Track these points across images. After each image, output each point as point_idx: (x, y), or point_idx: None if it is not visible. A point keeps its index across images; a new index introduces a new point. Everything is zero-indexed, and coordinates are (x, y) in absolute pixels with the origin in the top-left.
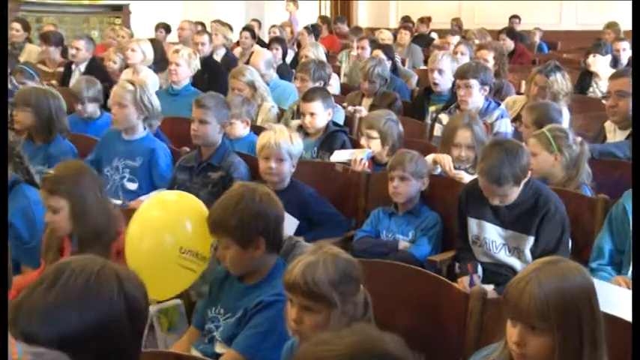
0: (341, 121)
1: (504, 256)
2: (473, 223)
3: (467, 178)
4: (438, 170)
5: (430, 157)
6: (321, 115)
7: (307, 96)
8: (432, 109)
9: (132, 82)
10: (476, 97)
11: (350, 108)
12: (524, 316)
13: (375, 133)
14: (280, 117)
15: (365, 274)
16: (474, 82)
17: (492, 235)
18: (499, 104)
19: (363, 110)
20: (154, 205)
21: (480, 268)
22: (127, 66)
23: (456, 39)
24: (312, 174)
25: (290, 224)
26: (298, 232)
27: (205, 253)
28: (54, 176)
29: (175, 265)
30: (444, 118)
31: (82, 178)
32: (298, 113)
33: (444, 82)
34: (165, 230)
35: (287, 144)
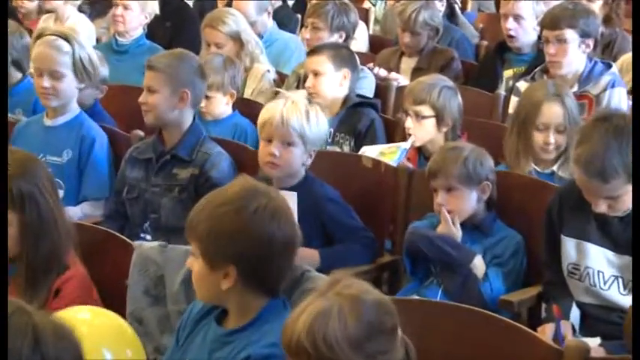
0: (370, 92)
1: (617, 294)
2: (569, 246)
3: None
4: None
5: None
6: (328, 76)
7: (313, 48)
8: (507, 74)
9: (64, 36)
10: (573, 56)
11: (381, 72)
12: None
13: (426, 110)
14: (279, 86)
15: (406, 318)
16: (570, 34)
17: (599, 262)
18: (609, 66)
19: (400, 78)
20: None
21: (575, 312)
22: (48, 11)
23: None
24: (325, 170)
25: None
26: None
27: None
28: None
29: None
30: (525, 87)
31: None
32: (306, 80)
33: (523, 33)
34: None
35: (300, 122)
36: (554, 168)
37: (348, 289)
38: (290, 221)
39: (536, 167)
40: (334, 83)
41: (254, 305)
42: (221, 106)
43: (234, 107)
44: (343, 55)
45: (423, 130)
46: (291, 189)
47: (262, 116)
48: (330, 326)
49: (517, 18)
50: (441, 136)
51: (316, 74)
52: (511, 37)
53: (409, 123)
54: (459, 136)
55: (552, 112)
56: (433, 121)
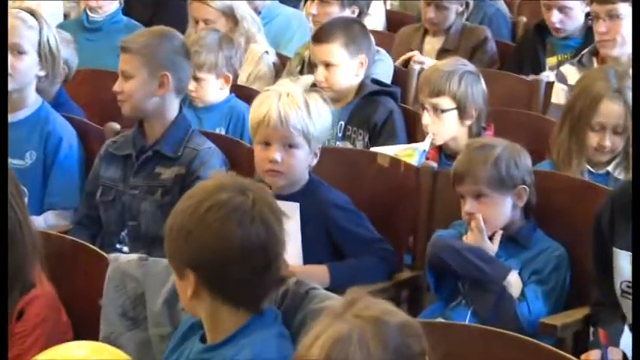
0: (387, 78)
1: None
2: (623, 260)
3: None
4: None
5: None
6: (343, 67)
7: (320, 33)
8: (550, 62)
9: (31, 12)
10: (627, 33)
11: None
12: None
13: (446, 102)
14: (280, 70)
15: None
16: (624, 9)
17: None
18: None
19: (426, 61)
20: None
21: (628, 337)
22: None
23: None
24: (333, 170)
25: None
26: (307, 258)
27: None
28: None
29: None
30: (571, 71)
31: None
32: (310, 65)
33: (571, 23)
34: None
35: (302, 119)
36: (610, 168)
37: (368, 311)
38: (265, 223)
39: (589, 168)
40: (350, 73)
41: (228, 320)
42: (213, 90)
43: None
44: (357, 38)
45: (443, 126)
46: (292, 197)
47: (255, 116)
48: (350, 354)
49: (562, 9)
50: (464, 131)
51: (328, 65)
52: (557, 29)
53: (427, 119)
54: (483, 128)
55: (611, 111)
56: (455, 114)
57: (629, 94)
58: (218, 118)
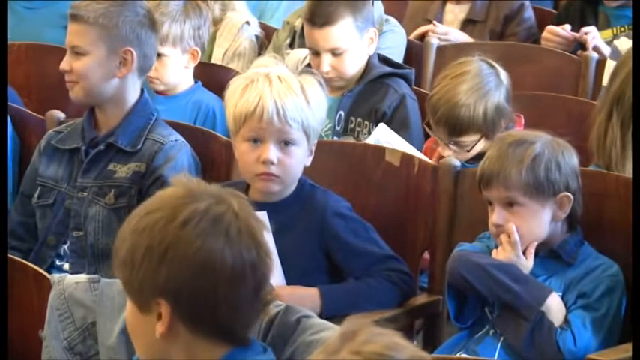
0: (399, 54)
1: None
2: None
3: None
4: None
5: None
6: (352, 50)
7: (320, 13)
8: (604, 35)
9: None
10: None
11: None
12: None
13: (471, 137)
14: (265, 46)
15: None
16: None
17: None
18: None
19: (449, 31)
20: None
21: None
22: None
23: None
24: (331, 171)
25: None
26: (301, 281)
27: None
28: None
29: None
30: (628, 46)
31: None
32: (303, 37)
33: None
34: None
35: (301, 109)
36: None
37: (369, 345)
38: (252, 236)
39: None
40: (361, 55)
41: (209, 357)
42: (177, 69)
43: (195, 75)
44: (363, 6)
45: (471, 154)
46: (281, 204)
47: (240, 106)
48: None
49: None
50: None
51: (334, 52)
52: None
53: (447, 152)
54: (512, 120)
55: None
56: (482, 141)
57: None
58: (180, 113)
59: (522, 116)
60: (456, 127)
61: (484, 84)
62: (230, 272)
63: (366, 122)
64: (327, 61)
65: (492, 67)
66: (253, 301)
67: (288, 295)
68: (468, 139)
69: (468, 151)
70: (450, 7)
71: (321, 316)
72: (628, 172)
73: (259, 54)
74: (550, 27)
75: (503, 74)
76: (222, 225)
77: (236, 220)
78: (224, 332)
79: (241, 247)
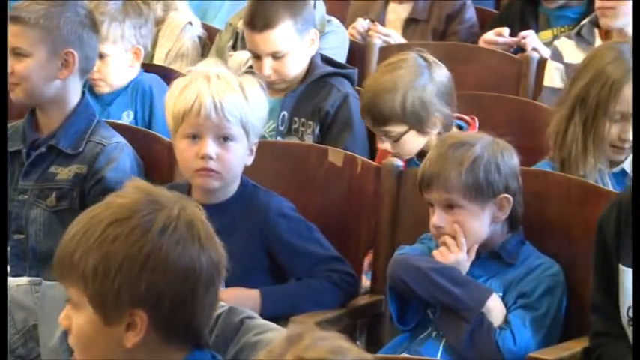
0: (342, 54)
1: None
2: (631, 280)
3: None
4: None
5: None
6: (296, 50)
7: (259, 17)
8: (544, 36)
9: None
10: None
11: (361, 23)
12: None
13: (397, 127)
14: (208, 46)
15: None
16: None
17: None
18: None
19: (391, 34)
20: None
21: None
22: None
23: None
24: (274, 172)
25: None
26: (243, 283)
27: None
28: None
29: None
30: (568, 47)
31: None
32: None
33: None
34: None
35: (239, 104)
36: (625, 166)
37: (312, 351)
38: (213, 240)
39: (601, 167)
40: (303, 56)
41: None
42: (121, 68)
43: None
44: (302, 8)
45: (404, 147)
46: (225, 205)
47: (178, 104)
48: None
49: None
50: (434, 137)
51: (275, 55)
52: None
53: (384, 145)
54: (467, 123)
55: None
56: (412, 133)
57: None
58: (124, 102)
59: (476, 119)
60: (376, 115)
61: (408, 75)
62: (205, 276)
63: (310, 122)
64: (268, 65)
65: (427, 62)
66: (215, 303)
67: (229, 296)
68: (393, 130)
69: (397, 142)
70: (392, 6)
71: (261, 317)
72: (583, 172)
73: (202, 55)
74: (485, 36)
75: (441, 73)
76: (194, 230)
77: (202, 223)
78: (193, 336)
79: (210, 250)
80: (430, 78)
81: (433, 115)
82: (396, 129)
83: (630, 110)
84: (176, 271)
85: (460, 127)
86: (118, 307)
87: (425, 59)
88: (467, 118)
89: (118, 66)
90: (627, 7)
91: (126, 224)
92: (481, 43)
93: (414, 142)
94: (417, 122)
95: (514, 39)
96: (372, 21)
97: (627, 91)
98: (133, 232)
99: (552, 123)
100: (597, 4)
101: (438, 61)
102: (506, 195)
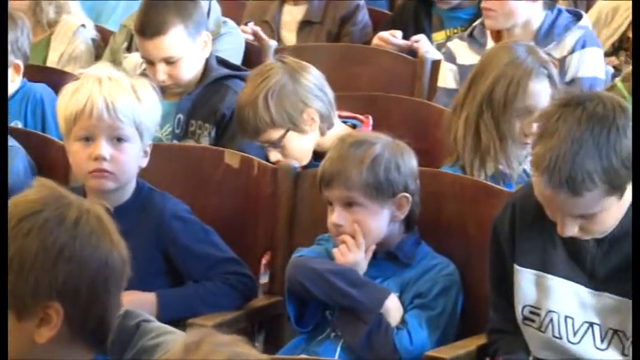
0: (237, 55)
1: (592, 349)
2: (526, 280)
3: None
4: None
5: None
6: (188, 54)
7: (148, 24)
8: (437, 37)
9: None
10: (519, 5)
11: (249, 26)
12: None
13: (273, 133)
14: (102, 48)
15: None
16: None
17: (567, 304)
18: (579, 18)
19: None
20: None
21: None
22: None
23: None
24: (172, 171)
25: None
26: (140, 287)
27: None
28: None
29: None
30: (461, 48)
31: None
32: None
33: None
34: None
35: (131, 105)
36: (525, 166)
37: (213, 355)
38: (120, 237)
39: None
40: (196, 59)
41: None
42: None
43: (30, 79)
44: (192, 10)
45: (292, 151)
46: (122, 208)
47: (70, 106)
48: None
49: None
50: (317, 133)
51: (169, 61)
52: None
53: (273, 156)
54: (361, 121)
55: (540, 90)
56: (292, 134)
57: (553, 72)
58: (11, 113)
59: (370, 117)
60: (249, 129)
61: (266, 82)
62: (117, 272)
63: (206, 124)
64: (162, 70)
65: (288, 65)
66: (120, 305)
67: (126, 300)
68: (270, 136)
69: (283, 148)
70: (287, 8)
71: (158, 320)
72: (510, 171)
73: (96, 57)
74: (381, 34)
75: (305, 72)
76: (104, 224)
77: (110, 220)
78: (100, 337)
79: (119, 246)
80: (291, 79)
81: (305, 112)
82: (273, 134)
83: (536, 106)
84: (91, 263)
85: (354, 126)
86: (34, 301)
87: (286, 63)
88: (360, 117)
89: None
90: (509, 8)
91: (38, 217)
92: (375, 39)
93: (297, 142)
94: (290, 122)
95: (406, 42)
96: (268, 22)
97: (533, 86)
98: (46, 225)
99: (456, 127)
100: (482, 4)
101: (304, 63)
102: (406, 194)
